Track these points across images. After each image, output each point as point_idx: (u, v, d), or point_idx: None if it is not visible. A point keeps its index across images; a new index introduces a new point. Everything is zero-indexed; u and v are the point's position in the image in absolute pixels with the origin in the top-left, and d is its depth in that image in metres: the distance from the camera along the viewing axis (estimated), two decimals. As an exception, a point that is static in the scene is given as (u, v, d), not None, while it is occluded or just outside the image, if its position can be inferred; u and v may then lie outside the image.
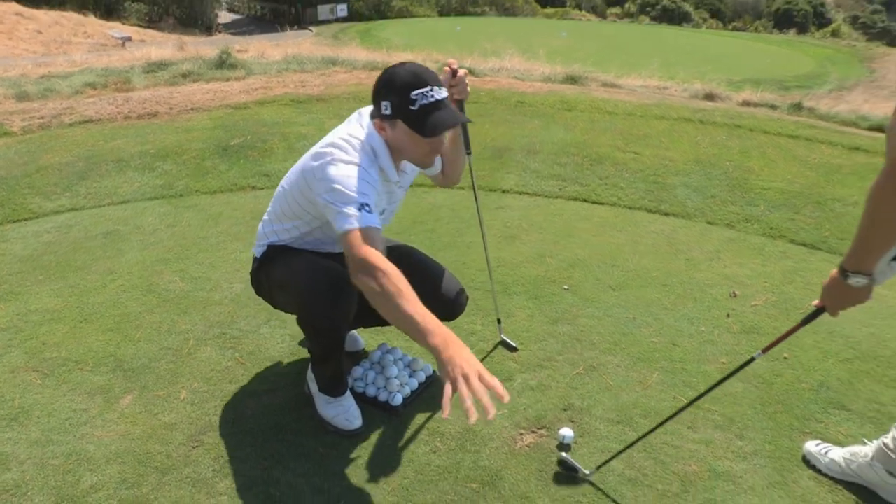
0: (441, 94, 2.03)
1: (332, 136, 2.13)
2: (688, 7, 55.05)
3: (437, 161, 2.49)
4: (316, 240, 2.34)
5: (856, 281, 1.72)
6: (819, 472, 2.29)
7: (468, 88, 2.41)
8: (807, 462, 2.34)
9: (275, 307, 2.53)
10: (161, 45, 15.42)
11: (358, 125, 2.14)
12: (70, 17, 29.52)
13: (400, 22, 40.16)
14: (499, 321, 2.95)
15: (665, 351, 2.89)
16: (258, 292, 2.52)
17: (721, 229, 4.11)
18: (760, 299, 3.33)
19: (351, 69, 8.09)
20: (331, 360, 2.37)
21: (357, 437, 2.39)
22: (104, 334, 2.94)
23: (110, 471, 2.22)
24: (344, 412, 2.43)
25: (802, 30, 51.73)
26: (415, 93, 1.99)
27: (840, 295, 1.79)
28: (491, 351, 2.87)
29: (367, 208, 1.94)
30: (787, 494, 2.20)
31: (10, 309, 3.14)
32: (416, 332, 1.72)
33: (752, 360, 2.06)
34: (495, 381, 1.56)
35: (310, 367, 2.53)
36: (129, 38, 24.82)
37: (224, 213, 4.16)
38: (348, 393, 2.48)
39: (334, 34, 32.42)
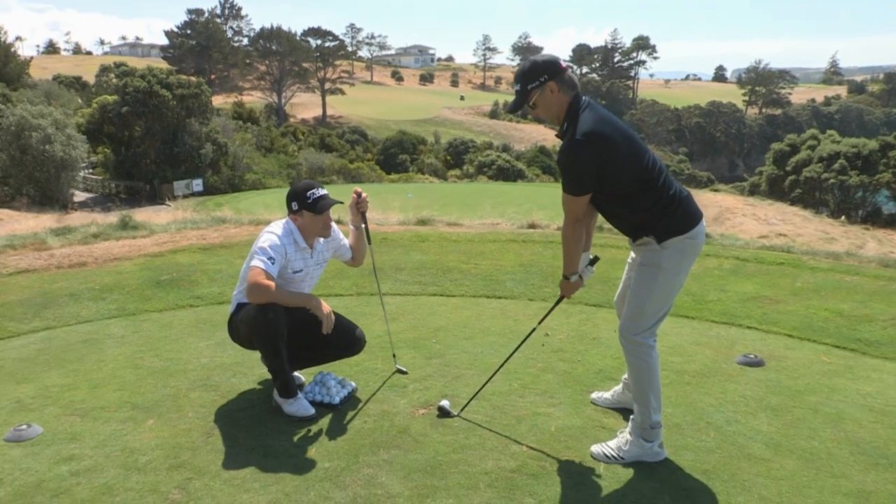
0: (322, 191, 3.84)
1: (268, 226, 3.85)
2: (521, 165, 60.85)
3: (346, 250, 4.11)
4: None
5: (573, 278, 3.43)
6: (598, 405, 3.92)
7: (368, 203, 4.08)
8: (592, 402, 3.96)
9: (242, 344, 3.95)
10: (33, 220, 16.21)
11: (281, 222, 3.87)
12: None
13: (255, 193, 41.77)
14: (394, 356, 4.45)
15: (505, 364, 4.47)
16: (232, 336, 3.98)
17: (538, 302, 5.88)
18: (564, 335, 5.04)
19: (239, 224, 9.58)
20: (280, 369, 3.77)
21: (314, 420, 3.75)
22: (115, 392, 4.14)
23: (155, 454, 3.44)
24: (301, 406, 3.81)
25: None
26: (308, 192, 3.79)
27: (568, 287, 3.48)
28: (389, 376, 4.32)
29: (272, 260, 3.65)
30: (579, 417, 3.78)
31: (31, 388, 4.24)
32: (298, 301, 3.67)
33: (533, 330, 3.70)
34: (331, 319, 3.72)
35: (274, 387, 3.89)
36: (-13, 218, 25.05)
37: (174, 323, 5.44)
38: (300, 394, 3.86)
39: (193, 207, 33.57)
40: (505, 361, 3.93)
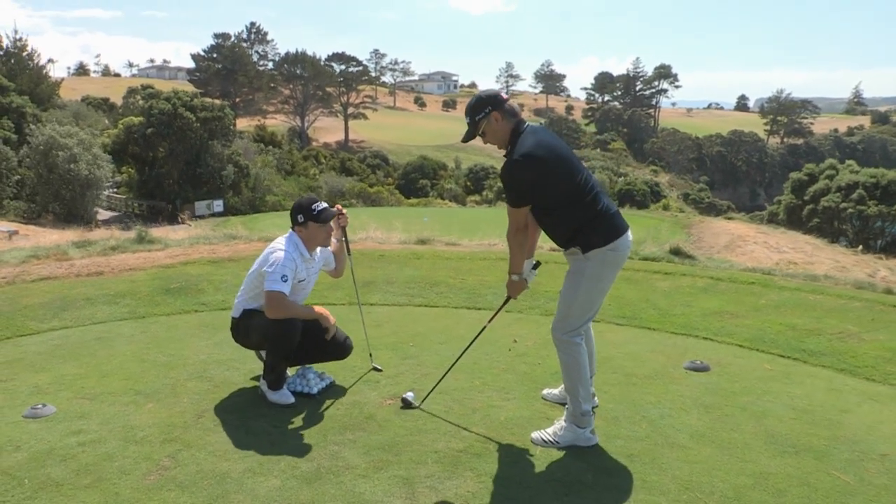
0: (323, 205, 4.30)
1: (273, 243, 4.26)
2: (539, 191, 61.06)
3: (332, 260, 4.62)
4: None
5: (516, 277, 3.91)
6: (547, 401, 4.38)
7: (348, 218, 4.61)
8: (543, 398, 4.41)
9: (246, 346, 4.48)
10: (57, 235, 16.93)
11: (284, 238, 4.33)
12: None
13: (275, 214, 42.54)
14: (370, 355, 4.94)
15: (471, 365, 4.93)
16: (236, 337, 4.48)
17: (514, 314, 6.34)
18: (531, 342, 5.51)
19: (249, 241, 10.15)
20: (277, 368, 4.28)
21: (293, 408, 4.24)
22: (122, 381, 4.66)
23: (153, 430, 3.95)
24: (283, 395, 4.31)
25: (641, 206, 57.96)
26: (313, 206, 4.27)
27: (513, 286, 3.96)
28: (365, 373, 4.82)
29: (284, 279, 4.11)
30: (529, 410, 4.24)
31: (48, 376, 4.77)
32: (307, 315, 4.14)
33: (484, 328, 4.17)
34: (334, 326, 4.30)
35: (261, 377, 4.40)
36: (16, 232, 25.98)
37: (179, 325, 5.98)
38: (285, 386, 4.36)
39: (212, 227, 34.39)
40: (458, 358, 4.38)
